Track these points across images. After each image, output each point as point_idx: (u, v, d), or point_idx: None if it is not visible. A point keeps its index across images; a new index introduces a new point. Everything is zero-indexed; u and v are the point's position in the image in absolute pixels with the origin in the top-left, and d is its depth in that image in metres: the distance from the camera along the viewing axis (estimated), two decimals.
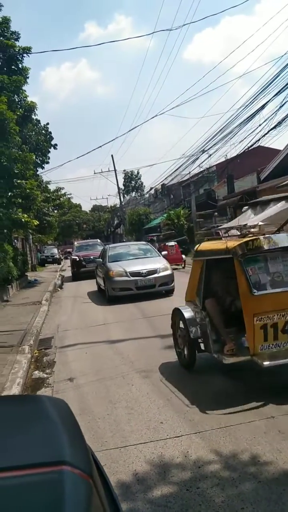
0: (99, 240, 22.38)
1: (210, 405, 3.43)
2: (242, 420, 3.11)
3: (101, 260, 11.59)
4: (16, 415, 0.99)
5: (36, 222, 14.22)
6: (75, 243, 21.12)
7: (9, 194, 11.69)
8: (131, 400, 3.75)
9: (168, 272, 10.01)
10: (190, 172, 28.92)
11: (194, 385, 3.94)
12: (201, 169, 28.75)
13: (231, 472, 2.47)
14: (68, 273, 22.18)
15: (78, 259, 17.50)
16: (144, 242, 14.69)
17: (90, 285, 13.56)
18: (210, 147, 20.73)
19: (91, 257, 16.83)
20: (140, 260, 10.80)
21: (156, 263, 10.19)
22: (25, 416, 0.98)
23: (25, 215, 12.67)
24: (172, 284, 9.93)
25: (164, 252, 12.71)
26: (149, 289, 9.66)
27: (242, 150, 19.46)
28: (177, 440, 2.93)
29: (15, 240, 19.25)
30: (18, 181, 12.26)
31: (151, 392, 3.91)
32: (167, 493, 2.33)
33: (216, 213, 26.54)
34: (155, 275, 9.72)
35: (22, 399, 1.55)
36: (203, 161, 24.69)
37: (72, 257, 18.54)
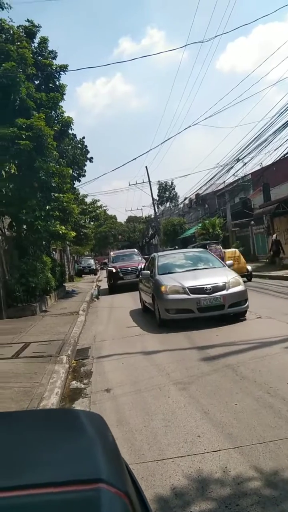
0: (136, 250, 21.27)
1: (250, 420, 3.35)
2: (284, 435, 3.01)
3: (148, 272, 9.35)
4: (52, 429, 0.99)
5: (73, 234, 14.54)
6: (111, 253, 20.33)
7: (47, 207, 12.02)
8: (168, 413, 3.72)
9: (241, 288, 7.73)
10: (224, 181, 28.69)
11: (232, 398, 3.86)
12: (236, 178, 28.43)
13: (272, 490, 2.39)
14: (104, 284, 22.17)
15: (115, 271, 16.69)
16: (201, 249, 11.59)
17: (128, 300, 12.96)
18: (245, 156, 20.53)
19: (129, 268, 16.50)
20: (201, 272, 8.46)
21: (222, 276, 7.89)
22: (61, 430, 0.97)
23: (63, 227, 12.97)
24: (246, 305, 7.66)
25: (229, 262, 10.10)
26: (216, 311, 7.37)
27: (278, 158, 19.14)
28: (215, 455, 2.87)
29: (54, 252, 19.74)
30: (56, 194, 12.62)
31: (188, 404, 3.86)
32: (205, 509, 2.28)
33: (252, 222, 26.11)
34: (224, 292, 7.43)
35: (58, 413, 1.55)
36: (238, 169, 24.46)
37: (109, 268, 17.57)
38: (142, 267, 13.50)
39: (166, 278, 8.23)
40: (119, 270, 16.50)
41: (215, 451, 2.92)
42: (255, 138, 18.54)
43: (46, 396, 4.27)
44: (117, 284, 16.34)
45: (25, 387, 4.68)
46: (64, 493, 0.65)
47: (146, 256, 18.80)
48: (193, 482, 2.57)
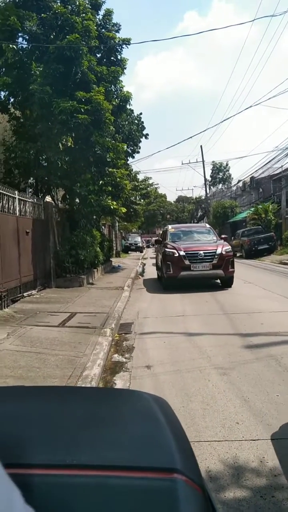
0: (207, 225, 14.41)
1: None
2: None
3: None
4: (120, 410, 0.97)
5: (124, 210, 14.67)
6: (169, 227, 13.25)
7: (101, 182, 12.15)
8: (207, 396, 3.72)
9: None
10: (282, 166, 27.51)
11: (273, 389, 3.79)
12: None
13: None
14: (149, 265, 21.27)
15: (176, 255, 10.61)
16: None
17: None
18: None
19: (201, 252, 10.53)
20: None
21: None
22: (129, 412, 0.96)
23: (114, 203, 13.10)
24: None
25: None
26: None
27: None
28: (253, 444, 2.84)
29: (103, 227, 20.04)
30: (110, 169, 12.69)
31: (228, 390, 3.84)
32: (240, 497, 2.28)
33: None
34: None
35: (124, 394, 1.52)
36: None
37: (166, 249, 11.09)
38: (223, 251, 10.60)
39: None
40: (184, 254, 10.49)
41: (253, 440, 2.90)
42: None
43: (89, 366, 4.41)
44: (180, 277, 10.52)
45: (69, 355, 4.85)
46: (140, 479, 0.63)
47: None
48: (229, 468, 2.57)
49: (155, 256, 19.61)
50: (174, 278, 10.67)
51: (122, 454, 0.71)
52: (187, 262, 10.50)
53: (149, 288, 12.02)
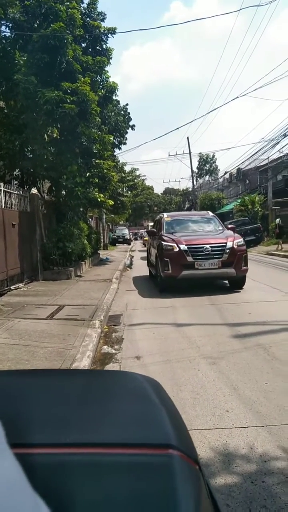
0: (211, 213, 11.73)
1: (280, 400, 3.32)
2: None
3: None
4: (113, 390, 0.98)
5: (111, 202, 14.59)
6: (164, 216, 11.03)
7: (88, 174, 12.05)
8: (196, 385, 3.75)
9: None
10: (268, 157, 27.67)
11: (262, 377, 3.83)
12: (281, 154, 27.34)
13: None
14: (137, 258, 20.67)
15: (177, 249, 8.63)
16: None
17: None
18: None
19: (207, 246, 8.53)
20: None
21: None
22: (123, 392, 0.97)
23: (101, 195, 13.01)
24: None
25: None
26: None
27: None
28: (243, 431, 2.87)
29: (90, 219, 19.93)
30: (97, 161, 12.59)
31: (217, 379, 3.87)
32: (230, 483, 2.30)
33: None
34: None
35: (117, 375, 1.55)
36: (284, 146, 23.44)
37: (164, 243, 9.03)
38: (234, 244, 8.72)
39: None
40: (186, 248, 8.54)
41: (243, 427, 2.93)
42: None
43: (78, 358, 4.39)
44: (181, 277, 8.57)
45: (58, 348, 4.83)
46: (135, 455, 0.64)
47: None
48: (219, 455, 2.60)
49: (145, 249, 18.13)
50: (173, 278, 8.66)
51: (117, 432, 0.72)
52: (190, 258, 8.46)
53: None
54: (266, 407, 3.22)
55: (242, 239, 9.23)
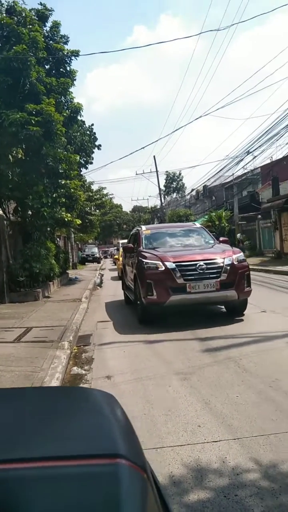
0: (197, 223, 11.07)
1: (251, 412, 3.34)
2: (284, 428, 3.00)
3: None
4: (65, 406, 0.99)
5: (78, 222, 14.53)
6: (142, 229, 9.14)
7: (54, 194, 11.98)
8: (168, 402, 3.71)
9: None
10: (233, 174, 28.52)
11: (233, 390, 3.85)
12: (245, 171, 28.26)
13: (271, 483, 2.38)
14: (107, 278, 19.40)
15: (163, 268, 6.92)
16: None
17: None
18: (255, 149, 20.35)
19: (201, 263, 6.86)
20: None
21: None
22: (75, 407, 0.97)
23: (68, 215, 12.94)
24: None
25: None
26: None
27: None
28: (215, 445, 2.86)
29: (58, 239, 19.74)
30: (63, 181, 12.56)
31: (188, 394, 3.86)
32: (204, 498, 2.28)
33: (259, 216, 25.96)
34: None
35: (71, 391, 1.56)
36: (248, 162, 24.27)
37: (144, 260, 7.30)
38: (234, 260, 7.03)
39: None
40: (174, 267, 6.88)
41: (215, 441, 2.91)
42: (266, 131, 18.36)
43: (47, 381, 4.28)
44: (169, 304, 6.86)
45: (26, 371, 4.69)
46: (82, 466, 0.64)
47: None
48: (192, 471, 2.57)
49: (116, 268, 17.83)
50: (159, 306, 6.89)
51: (66, 445, 0.73)
52: (180, 280, 6.73)
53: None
54: (238, 420, 3.22)
55: (242, 253, 7.60)
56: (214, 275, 6.82)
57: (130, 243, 9.63)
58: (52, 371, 4.60)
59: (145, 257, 7.33)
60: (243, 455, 2.70)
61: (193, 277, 6.77)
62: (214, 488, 2.36)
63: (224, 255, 7.08)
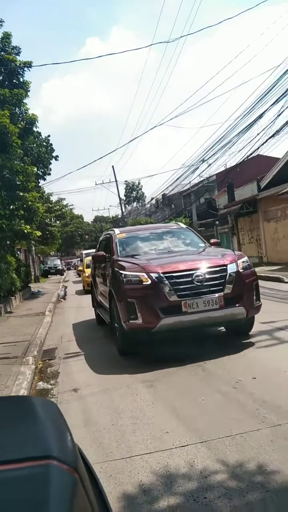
0: (181, 223, 9.12)
1: (217, 414, 3.41)
2: (249, 428, 3.08)
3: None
4: (5, 414, 1.01)
5: (38, 233, 14.32)
6: (116, 232, 7.51)
7: (12, 206, 11.76)
8: (135, 410, 3.72)
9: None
10: (190, 182, 29.11)
11: (199, 394, 3.91)
12: (201, 179, 28.90)
13: (238, 482, 2.44)
14: (71, 292, 18.38)
15: (148, 281, 5.21)
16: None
17: None
18: (210, 157, 20.90)
19: (199, 273, 5.22)
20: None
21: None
22: (13, 415, 1.00)
23: (28, 226, 12.74)
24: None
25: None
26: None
27: (242, 159, 19.62)
28: (183, 450, 2.90)
29: (18, 252, 19.32)
30: (21, 193, 12.36)
31: (155, 401, 3.89)
32: (173, 504, 2.30)
33: (217, 222, 26.61)
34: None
35: (11, 400, 1.59)
36: (203, 170, 24.88)
37: (122, 272, 5.56)
38: (240, 267, 5.51)
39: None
40: (164, 278, 5.19)
41: (183, 446, 2.95)
42: (219, 140, 18.92)
43: None
44: (159, 329, 5.07)
45: None
46: (11, 470, 0.67)
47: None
48: (161, 477, 2.59)
49: (82, 280, 16.47)
50: (146, 332, 5.18)
51: (0, 452, 0.75)
52: (172, 296, 5.12)
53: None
54: (204, 423, 3.28)
55: (246, 257, 5.95)
56: (216, 288, 5.18)
57: (100, 250, 7.91)
58: (17, 388, 4.49)
59: (123, 268, 5.59)
60: (210, 457, 2.75)
61: (189, 292, 5.12)
62: (184, 493, 2.39)
63: (226, 261, 5.45)
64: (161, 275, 5.17)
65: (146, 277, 5.23)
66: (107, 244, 7.53)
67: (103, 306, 7.52)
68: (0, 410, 1.04)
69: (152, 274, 5.22)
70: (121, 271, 5.60)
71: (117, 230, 7.70)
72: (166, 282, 5.13)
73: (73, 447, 0.81)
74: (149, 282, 5.19)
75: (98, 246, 8.77)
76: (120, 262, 5.94)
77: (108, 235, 7.81)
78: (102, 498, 0.80)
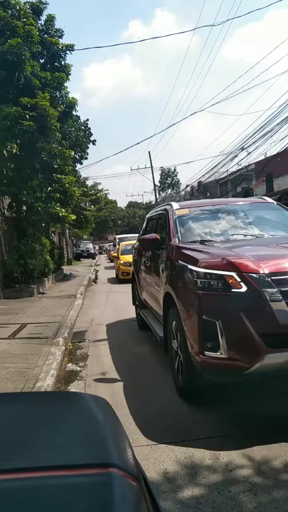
0: (268, 198, 5.62)
1: (243, 408, 3.37)
2: (276, 425, 3.03)
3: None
4: (59, 412, 0.99)
5: (73, 217, 14.48)
6: (173, 206, 5.03)
7: (49, 189, 11.93)
8: (163, 399, 3.74)
9: None
10: (228, 170, 28.54)
11: (230, 385, 3.88)
12: (240, 167, 28.26)
13: (264, 479, 2.41)
14: (103, 279, 16.71)
15: (244, 288, 3.03)
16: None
17: None
18: (250, 145, 20.35)
19: None
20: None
21: None
22: (69, 414, 0.97)
23: (63, 210, 12.90)
24: None
25: None
26: None
27: (283, 148, 18.99)
28: (209, 442, 2.89)
29: (53, 234, 19.67)
30: (58, 176, 12.50)
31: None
32: (197, 495, 2.31)
33: None
34: None
35: (64, 396, 1.55)
36: (242, 159, 24.28)
37: (194, 268, 3.31)
38: None
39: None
40: (270, 284, 2.96)
41: (209, 438, 2.95)
42: (261, 127, 18.35)
43: (42, 378, 4.29)
44: (256, 370, 2.92)
45: (20, 367, 4.69)
46: (75, 476, 0.65)
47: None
48: (186, 467, 2.60)
49: (116, 267, 15.39)
50: (237, 373, 3.07)
51: (59, 454, 0.73)
52: (287, 316, 2.96)
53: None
54: (231, 417, 3.25)
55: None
56: None
57: (147, 232, 5.95)
58: (47, 368, 4.61)
59: (194, 260, 3.47)
60: (236, 451, 2.73)
61: None
62: (208, 485, 2.40)
63: None
64: (265, 276, 3.06)
65: (238, 279, 3.11)
66: (159, 223, 5.51)
67: (151, 310, 5.54)
68: (52, 406, 1.03)
69: (250, 275, 3.09)
70: (190, 266, 3.46)
71: (175, 205, 5.25)
72: (275, 290, 3.01)
73: (133, 454, 0.79)
74: (244, 288, 3.08)
75: (145, 225, 6.61)
76: (186, 251, 3.86)
77: (162, 211, 5.53)
78: (156, 507, 0.77)
